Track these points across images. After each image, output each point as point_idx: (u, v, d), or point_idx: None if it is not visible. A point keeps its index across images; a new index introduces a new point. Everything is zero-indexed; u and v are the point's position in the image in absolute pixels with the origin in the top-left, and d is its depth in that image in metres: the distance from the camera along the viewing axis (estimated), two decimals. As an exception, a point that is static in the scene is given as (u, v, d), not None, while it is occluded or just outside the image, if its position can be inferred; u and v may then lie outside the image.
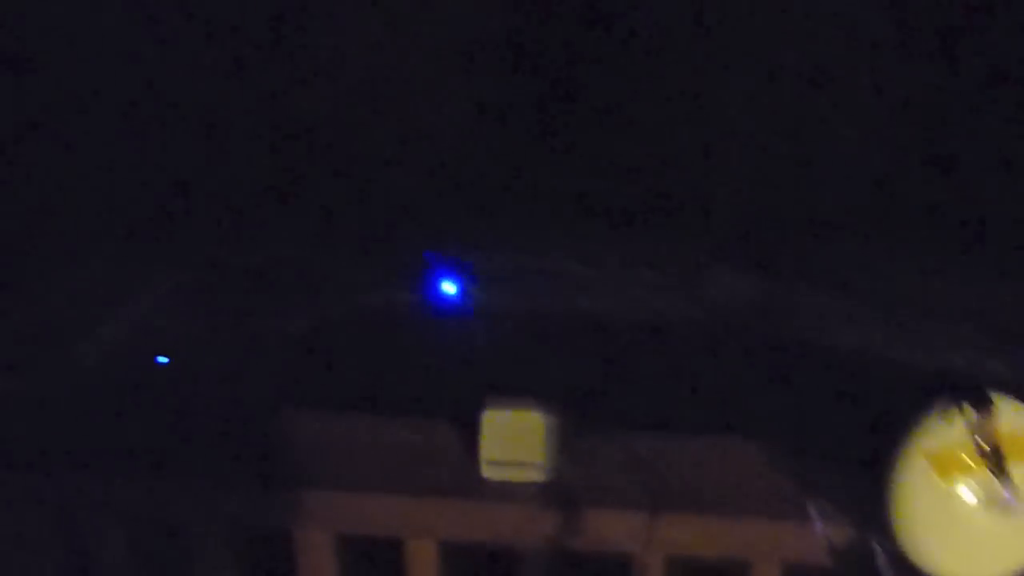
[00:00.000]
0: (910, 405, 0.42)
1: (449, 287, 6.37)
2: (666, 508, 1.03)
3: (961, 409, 0.42)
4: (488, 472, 1.07)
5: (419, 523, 1.11)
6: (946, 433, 0.42)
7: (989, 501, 0.42)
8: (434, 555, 1.16)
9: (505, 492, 1.07)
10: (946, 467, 0.42)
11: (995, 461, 0.42)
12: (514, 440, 1.05)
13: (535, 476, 1.07)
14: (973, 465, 0.42)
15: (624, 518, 1.04)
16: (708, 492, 1.06)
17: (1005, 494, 0.42)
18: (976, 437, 0.42)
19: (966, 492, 0.43)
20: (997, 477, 0.42)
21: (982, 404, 0.42)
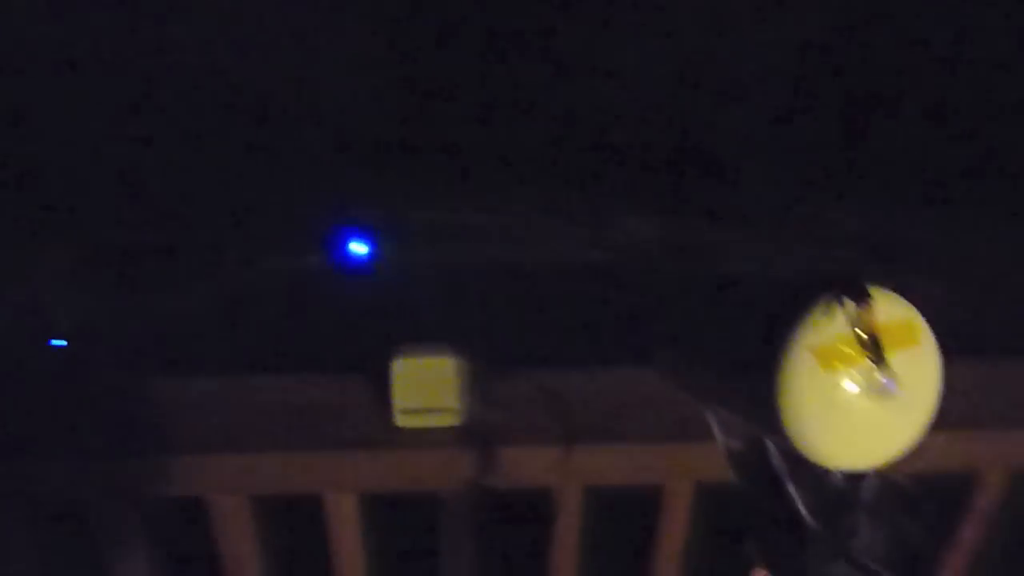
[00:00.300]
0: (794, 307, 0.43)
1: (358, 247, 6.28)
2: (581, 440, 1.05)
3: (841, 303, 0.43)
4: (402, 421, 1.06)
5: (336, 478, 1.10)
6: (828, 327, 0.44)
7: (871, 389, 0.44)
8: (354, 508, 1.16)
9: (421, 439, 1.06)
10: (829, 359, 0.44)
11: (874, 350, 0.44)
12: (426, 387, 1.05)
13: (450, 421, 1.07)
14: (855, 356, 0.44)
15: (541, 453, 1.06)
16: (621, 421, 1.08)
17: (885, 381, 0.44)
18: (856, 329, 0.43)
19: (849, 383, 0.44)
20: (877, 365, 0.44)
21: (860, 296, 0.43)
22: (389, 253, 5.86)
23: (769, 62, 7.74)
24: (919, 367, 0.46)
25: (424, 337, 1.12)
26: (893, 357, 0.44)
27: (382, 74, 7.64)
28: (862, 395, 0.44)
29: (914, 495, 0.49)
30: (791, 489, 0.48)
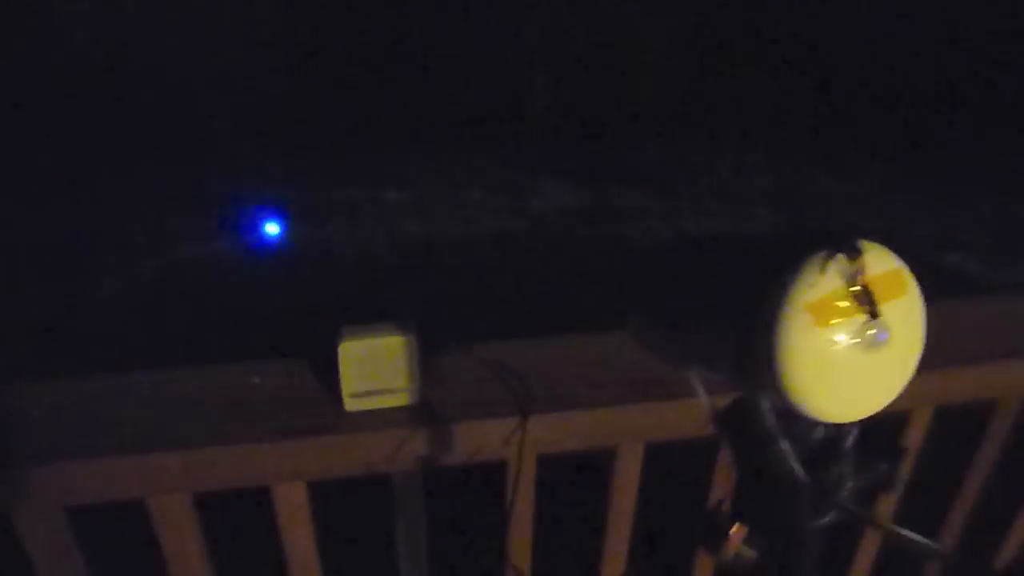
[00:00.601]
0: (786, 265, 0.44)
1: (272, 228, 6.05)
2: (534, 410, 1.04)
3: (834, 258, 0.44)
4: (351, 405, 1.03)
5: (285, 468, 1.06)
6: (821, 284, 0.44)
7: (865, 342, 0.45)
8: (304, 496, 1.13)
9: (372, 421, 1.04)
10: (824, 315, 0.44)
11: (869, 304, 0.44)
12: (375, 368, 1.02)
13: (401, 401, 1.04)
14: (849, 310, 0.44)
15: (494, 426, 1.05)
16: (572, 388, 1.08)
17: (878, 333, 0.45)
18: (850, 283, 0.44)
19: (844, 337, 0.45)
20: (871, 318, 0.45)
21: (853, 251, 0.44)
22: (303, 233, 5.70)
23: (672, 24, 7.87)
24: (907, 316, 0.47)
25: (347, 316, 1.08)
26: (884, 309, 0.45)
27: (285, 49, 7.37)
28: (857, 348, 0.45)
29: (887, 440, 0.50)
30: (784, 445, 0.49)
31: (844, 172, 6.97)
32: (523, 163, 6.84)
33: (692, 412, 0.93)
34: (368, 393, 1.03)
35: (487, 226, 6.54)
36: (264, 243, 5.18)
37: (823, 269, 0.43)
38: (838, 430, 0.50)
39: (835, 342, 0.44)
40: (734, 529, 0.60)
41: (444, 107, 7.03)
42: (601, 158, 7.13)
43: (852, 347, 0.45)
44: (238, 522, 1.36)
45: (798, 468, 0.49)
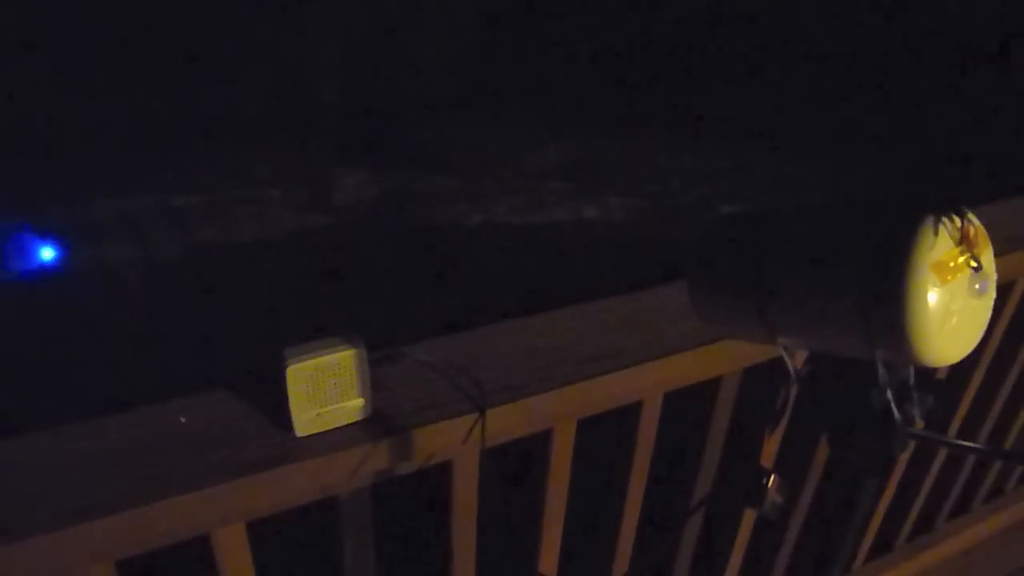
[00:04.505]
0: (905, 231, 0.48)
1: (47, 253, 5.39)
2: (491, 404, 1.04)
3: (944, 222, 0.49)
4: (303, 429, 0.96)
5: (232, 509, 0.97)
6: (937, 245, 0.49)
7: (976, 292, 0.51)
8: (244, 537, 1.04)
9: (327, 443, 0.98)
10: (944, 273, 0.49)
11: (972, 258, 0.50)
12: (324, 387, 0.96)
13: (354, 416, 0.99)
14: (961, 266, 0.50)
15: (453, 426, 1.03)
16: (524, 375, 1.09)
17: (983, 283, 0.51)
18: (958, 242, 0.49)
19: (962, 289, 0.50)
20: (977, 272, 0.50)
21: (961, 214, 0.49)
22: (84, 254, 5.11)
23: (455, 14, 7.95)
24: (992, 263, 0.53)
25: (143, 337, 1.01)
26: (982, 262, 0.51)
27: (44, 51, 6.47)
28: (971, 298, 0.50)
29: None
30: (889, 394, 0.54)
31: (633, 142, 7.49)
32: (320, 157, 6.61)
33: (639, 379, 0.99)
34: (319, 415, 0.97)
35: (287, 223, 6.25)
36: (40, 270, 4.56)
37: (937, 231, 0.49)
38: (916, 373, 0.56)
39: (956, 295, 0.50)
40: (771, 481, 0.65)
41: (230, 105, 6.57)
42: (398, 145, 7.07)
43: (967, 298, 0.50)
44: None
45: (896, 412, 0.54)
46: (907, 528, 2.03)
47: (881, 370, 0.52)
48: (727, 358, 1.28)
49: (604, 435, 1.32)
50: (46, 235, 4.73)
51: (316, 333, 1.00)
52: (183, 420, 0.99)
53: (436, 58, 7.79)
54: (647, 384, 1.22)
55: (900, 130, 7.52)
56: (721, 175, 7.06)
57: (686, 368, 1.23)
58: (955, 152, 6.82)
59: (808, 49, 8.46)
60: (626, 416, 1.27)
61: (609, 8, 8.28)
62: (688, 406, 1.35)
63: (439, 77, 7.76)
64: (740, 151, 7.40)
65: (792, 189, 6.67)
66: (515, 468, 1.27)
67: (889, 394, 0.53)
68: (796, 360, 0.61)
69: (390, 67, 7.47)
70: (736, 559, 1.65)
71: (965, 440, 1.76)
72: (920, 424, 0.59)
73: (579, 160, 7.13)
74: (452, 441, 1.04)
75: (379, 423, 1.00)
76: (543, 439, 1.22)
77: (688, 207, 6.35)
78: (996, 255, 0.52)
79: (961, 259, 0.50)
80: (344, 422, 0.99)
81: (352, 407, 0.99)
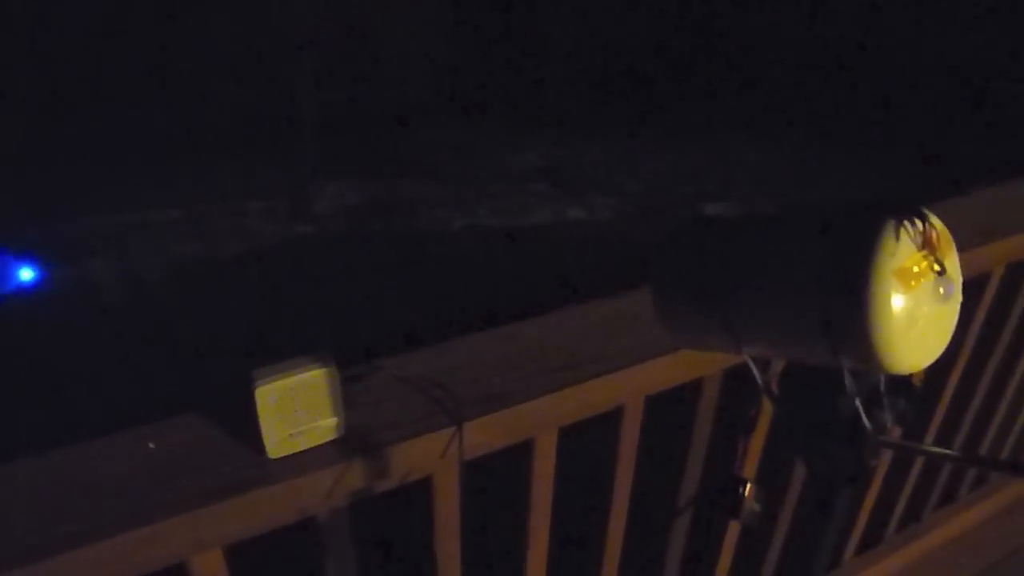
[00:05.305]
0: (866, 237, 0.46)
1: (26, 274, 5.32)
2: (467, 416, 1.02)
3: (906, 227, 0.47)
4: (276, 451, 0.94)
5: (206, 536, 0.95)
6: (900, 250, 0.47)
7: (940, 297, 0.49)
8: (222, 563, 1.02)
9: (301, 464, 0.96)
10: (907, 279, 0.48)
11: (940, 263, 0.49)
12: (296, 407, 0.94)
13: (327, 435, 0.98)
14: (924, 271, 0.49)
15: (429, 441, 1.01)
16: (501, 385, 1.07)
17: (948, 287, 0.49)
18: (920, 247, 0.48)
19: (926, 295, 0.49)
20: (941, 276, 0.49)
21: (923, 218, 0.48)
22: (64, 273, 5.05)
23: (432, 19, 7.93)
24: (956, 266, 0.52)
25: (125, 355, 0.99)
26: (946, 265, 0.50)
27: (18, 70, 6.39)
28: (935, 303, 0.49)
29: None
30: (858, 403, 0.53)
31: (609, 142, 7.50)
32: (300, 166, 6.56)
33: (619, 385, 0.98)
34: (291, 435, 0.95)
35: (270, 234, 6.20)
36: (18, 291, 4.50)
37: (898, 236, 0.47)
38: (888, 378, 0.55)
39: (920, 301, 0.49)
40: (747, 489, 0.64)
41: (207, 117, 6.51)
42: (378, 152, 7.04)
43: (932, 303, 0.49)
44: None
45: (866, 420, 0.53)
46: (895, 519, 2.03)
47: (848, 379, 0.51)
48: (707, 359, 1.27)
49: (587, 443, 1.30)
50: (24, 255, 4.67)
51: (301, 348, 0.99)
52: (152, 446, 0.96)
53: (414, 64, 7.76)
54: (627, 389, 1.20)
55: (885, 129, 7.56)
56: (706, 174, 7.07)
57: (666, 371, 1.22)
58: (935, 150, 6.86)
59: (791, 47, 8.50)
60: (608, 422, 1.26)
61: (587, 9, 8.29)
62: (670, 411, 1.33)
63: (418, 83, 7.74)
64: (724, 150, 7.42)
65: (776, 188, 6.69)
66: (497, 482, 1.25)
67: (858, 403, 0.53)
68: (775, 367, 0.60)
69: (367, 74, 7.44)
70: (725, 561, 1.64)
71: (943, 443, 1.77)
72: (894, 430, 0.58)
73: (561, 162, 7.13)
74: (430, 456, 1.02)
75: (354, 441, 0.99)
76: (525, 450, 1.20)
77: (672, 206, 6.35)
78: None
79: (924, 264, 0.49)
80: (318, 442, 0.97)
81: (325, 426, 0.97)
